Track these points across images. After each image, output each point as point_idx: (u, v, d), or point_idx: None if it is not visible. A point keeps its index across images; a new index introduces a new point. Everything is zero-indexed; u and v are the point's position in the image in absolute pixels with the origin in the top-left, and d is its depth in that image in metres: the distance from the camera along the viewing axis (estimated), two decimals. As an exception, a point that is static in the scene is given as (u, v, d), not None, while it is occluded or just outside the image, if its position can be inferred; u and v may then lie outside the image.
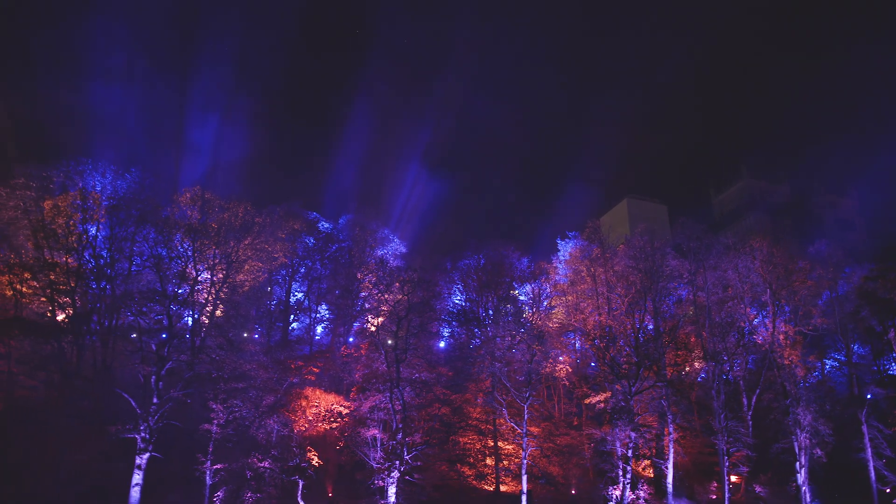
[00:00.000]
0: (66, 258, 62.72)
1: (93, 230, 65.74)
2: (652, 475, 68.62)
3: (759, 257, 72.53)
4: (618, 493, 61.60)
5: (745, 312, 72.77)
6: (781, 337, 69.84)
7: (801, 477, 64.20)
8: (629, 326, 68.41)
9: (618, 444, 62.76)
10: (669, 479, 63.62)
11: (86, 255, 64.23)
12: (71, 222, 63.86)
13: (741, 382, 70.68)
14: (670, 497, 63.20)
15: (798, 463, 64.48)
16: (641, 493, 62.62)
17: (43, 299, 62.15)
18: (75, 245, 63.43)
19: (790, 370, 68.10)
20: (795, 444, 64.74)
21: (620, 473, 61.85)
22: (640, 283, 70.49)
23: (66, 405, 54.46)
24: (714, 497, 66.92)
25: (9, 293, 62.18)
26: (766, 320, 72.37)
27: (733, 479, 67.03)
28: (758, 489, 65.70)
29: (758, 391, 69.00)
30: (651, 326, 72.20)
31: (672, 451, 64.38)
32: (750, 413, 68.40)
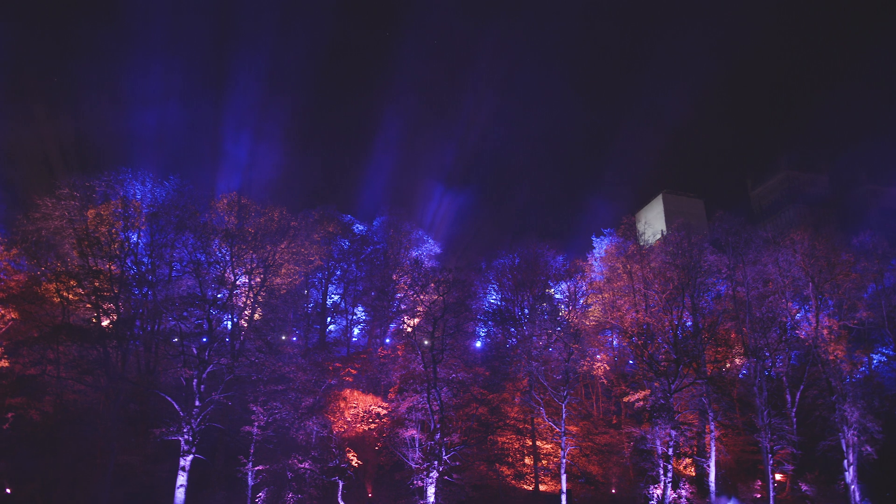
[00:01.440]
0: (110, 265, 64.25)
1: (134, 237, 67.30)
2: (693, 474, 67.69)
3: (800, 250, 70.98)
4: (659, 492, 60.85)
5: (786, 307, 71.31)
6: (825, 331, 68.23)
7: (849, 475, 62.60)
8: (667, 323, 67.55)
9: (658, 443, 62.00)
10: (712, 477, 62.60)
11: (128, 261, 65.72)
12: (113, 230, 65.41)
13: (784, 379, 69.19)
14: (713, 496, 62.16)
15: (846, 461, 62.88)
16: (683, 492, 61.77)
17: (88, 306, 63.72)
18: (118, 252, 64.92)
19: (835, 365, 66.45)
20: (843, 441, 63.13)
21: (661, 472, 61.09)
22: (678, 279, 69.51)
23: (112, 408, 55.79)
24: (759, 496, 65.60)
25: (56, 300, 63.93)
26: (809, 315, 70.78)
27: (778, 477, 65.67)
28: (804, 488, 64.29)
29: (802, 387, 67.45)
30: (689, 323, 71.21)
31: (714, 449, 63.32)
32: (794, 410, 66.94)
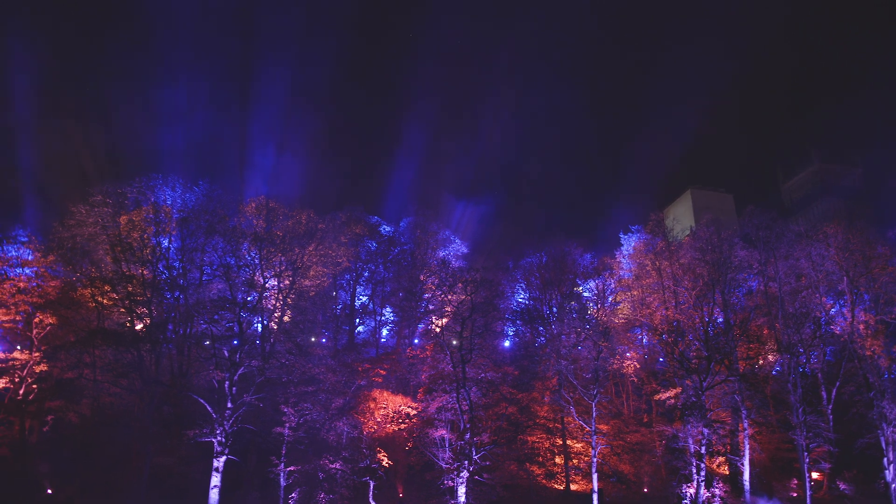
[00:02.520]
0: (142, 270, 65.41)
1: (165, 242, 68.38)
2: (727, 472, 66.80)
3: (834, 244, 69.60)
4: (692, 490, 60.17)
5: (820, 302, 69.99)
6: (861, 327, 66.81)
7: (889, 474, 61.18)
8: (698, 320, 66.75)
9: (690, 441, 61.28)
10: (746, 476, 61.68)
11: (160, 266, 66.83)
12: (145, 235, 66.60)
13: (819, 375, 67.93)
14: (748, 495, 61.24)
15: (886, 459, 61.47)
16: (717, 491, 60.99)
17: (122, 310, 64.97)
18: (150, 257, 66.05)
19: (872, 361, 65.02)
20: (882, 438, 61.74)
21: (694, 471, 60.38)
22: (708, 275, 68.66)
23: (147, 411, 56.78)
24: (795, 495, 64.52)
25: (91, 305, 65.28)
26: (844, 309, 69.37)
27: (815, 475, 64.54)
28: (842, 486, 63.10)
29: (838, 384, 66.14)
30: (721, 319, 70.24)
31: (748, 447, 62.38)
32: (830, 407, 65.70)
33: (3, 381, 60.57)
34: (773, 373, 74.40)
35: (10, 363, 61.20)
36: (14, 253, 64.06)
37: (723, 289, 68.93)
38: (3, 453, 59.81)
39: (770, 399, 72.76)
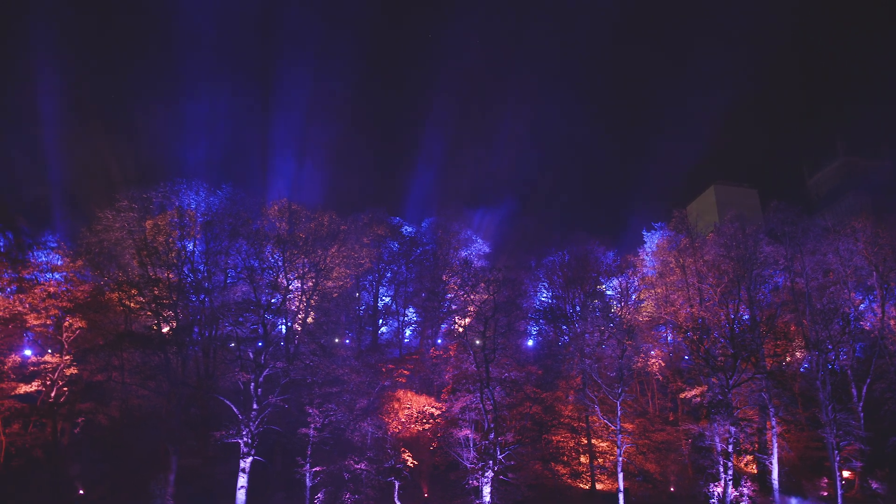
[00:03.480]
0: (168, 273, 66.27)
1: (190, 246, 69.20)
2: (755, 471, 66.01)
3: (863, 238, 68.46)
4: (719, 489, 59.55)
5: (849, 298, 68.82)
6: (892, 322, 65.68)
7: (922, 471, 60.06)
8: (723, 317, 66.03)
9: (717, 440, 60.65)
10: (775, 475, 60.91)
11: (185, 269, 67.62)
12: (170, 239, 67.46)
13: (849, 372, 66.76)
14: (777, 493, 60.50)
15: (919, 456, 60.37)
16: (745, 490, 60.26)
17: (149, 313, 65.82)
18: (175, 261, 66.88)
19: (904, 357, 63.86)
20: (915, 436, 60.65)
21: (721, 470, 59.76)
22: (733, 271, 67.89)
23: (174, 412, 57.51)
24: (825, 493, 63.51)
25: (119, 309, 66.30)
26: (874, 305, 68.23)
27: (846, 474, 63.44)
28: (874, 485, 61.98)
29: (868, 381, 64.99)
30: (746, 316, 69.44)
31: (776, 445, 61.60)
32: (861, 404, 64.52)
33: (36, 383, 61.85)
34: (802, 370, 73.34)
35: (42, 366, 62.52)
36: (44, 258, 65.36)
37: (748, 285, 68.11)
38: (36, 455, 61.04)
39: (798, 397, 71.76)
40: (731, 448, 59.91)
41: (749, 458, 66.71)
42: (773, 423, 62.33)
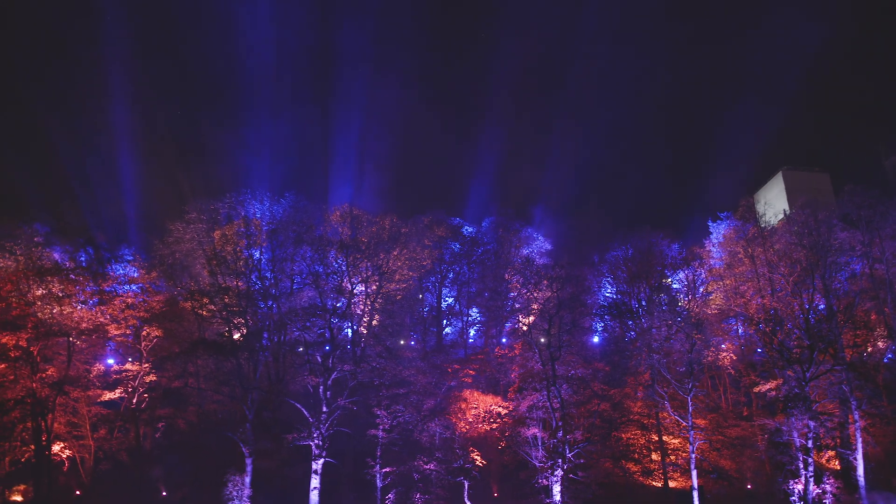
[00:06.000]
0: (237, 282, 68.40)
1: (257, 254, 71.24)
2: (838, 467, 63.36)
3: (948, 220, 64.85)
4: (799, 487, 57.43)
5: (935, 283, 65.35)
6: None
7: None
8: (797, 307, 63.69)
9: (795, 435, 58.51)
10: (860, 471, 58.31)
11: (252, 277, 69.64)
12: (238, 248, 69.66)
13: (937, 361, 63.50)
14: (864, 491, 57.88)
15: None
16: (828, 487, 57.80)
17: (220, 321, 68.13)
18: (243, 269, 68.97)
19: None
20: None
21: (801, 466, 57.63)
22: (806, 259, 65.39)
23: (248, 416, 59.32)
24: (917, 490, 60.50)
25: (192, 318, 68.86)
26: (964, 289, 64.50)
27: (938, 469, 60.29)
28: (969, 480, 58.73)
29: (958, 370, 61.64)
30: (822, 306, 66.74)
31: (860, 440, 58.93)
32: (952, 395, 61.24)
33: (119, 391, 65.00)
34: (885, 360, 70.00)
35: (124, 374, 65.71)
36: (121, 271, 68.58)
37: (823, 273, 65.46)
38: (122, 459, 64.23)
39: (882, 389, 68.34)
40: (810, 443, 57.73)
41: (831, 453, 64.07)
42: (856, 416, 59.68)
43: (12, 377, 56.89)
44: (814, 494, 56.69)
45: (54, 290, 60.28)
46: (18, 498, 59.40)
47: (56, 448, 60.21)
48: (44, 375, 58.56)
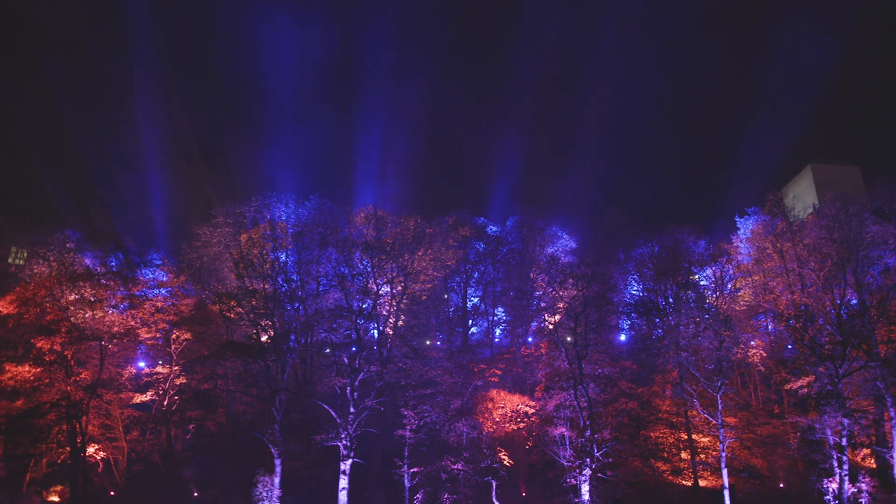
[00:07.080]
0: (263, 284, 69.01)
1: (283, 257, 71.83)
2: (874, 465, 62.10)
3: (983, 212, 63.19)
4: (834, 486, 56.42)
5: (971, 277, 63.69)
6: None
7: None
8: (828, 303, 62.57)
9: (828, 433, 57.49)
10: (896, 469, 57.12)
11: (279, 280, 70.17)
12: (264, 251, 70.29)
13: (975, 357, 61.83)
14: (900, 489, 56.71)
15: None
16: (863, 486, 56.67)
17: (248, 323, 68.84)
18: (269, 272, 69.54)
19: None
20: None
21: (835, 464, 56.61)
22: (837, 254, 64.11)
23: (276, 417, 59.88)
24: (955, 488, 59.05)
25: (220, 320, 69.63)
26: None
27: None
28: None
29: None
30: (854, 301, 65.42)
31: (896, 438, 57.75)
32: None
33: (150, 393, 66.05)
34: (921, 356, 68.42)
35: (154, 377, 66.72)
36: (151, 276, 69.57)
37: (855, 268, 64.14)
38: (154, 460, 65.24)
39: (919, 385, 66.97)
40: (844, 441, 56.67)
41: (866, 451, 62.82)
42: (892, 413, 58.43)
43: (48, 381, 58.10)
44: (849, 493, 55.66)
45: (86, 294, 61.40)
46: (55, 499, 60.67)
47: (91, 450, 61.36)
48: (78, 379, 59.73)
